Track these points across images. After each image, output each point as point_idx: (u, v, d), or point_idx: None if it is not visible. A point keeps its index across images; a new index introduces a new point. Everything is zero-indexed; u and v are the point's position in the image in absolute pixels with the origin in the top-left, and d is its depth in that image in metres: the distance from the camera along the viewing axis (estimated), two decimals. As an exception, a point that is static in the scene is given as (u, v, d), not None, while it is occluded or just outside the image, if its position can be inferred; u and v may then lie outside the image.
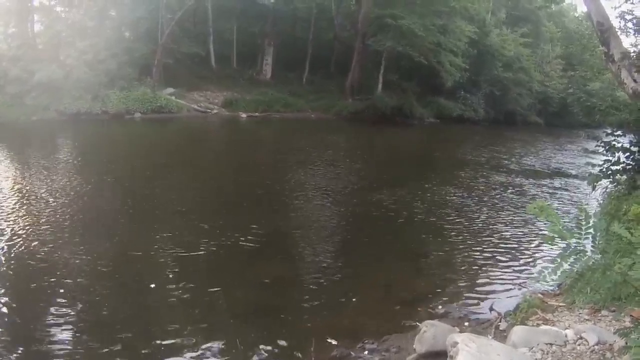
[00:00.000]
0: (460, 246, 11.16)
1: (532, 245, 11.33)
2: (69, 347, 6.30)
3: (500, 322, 6.89)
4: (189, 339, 6.58)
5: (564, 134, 45.18)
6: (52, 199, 12.86)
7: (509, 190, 17.42)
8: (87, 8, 37.40)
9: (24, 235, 9.97)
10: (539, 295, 7.59)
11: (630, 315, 5.37)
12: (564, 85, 48.81)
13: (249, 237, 10.68)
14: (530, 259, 10.41)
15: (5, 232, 10.13)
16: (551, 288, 8.10)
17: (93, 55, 33.57)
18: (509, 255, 10.60)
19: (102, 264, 8.84)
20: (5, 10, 36.49)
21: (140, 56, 37.41)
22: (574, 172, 22.14)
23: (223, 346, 6.48)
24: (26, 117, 28.52)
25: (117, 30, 38.56)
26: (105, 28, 36.30)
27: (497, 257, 10.47)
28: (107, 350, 6.22)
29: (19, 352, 6.14)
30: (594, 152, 15.17)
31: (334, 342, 6.59)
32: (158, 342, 6.46)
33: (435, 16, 41.56)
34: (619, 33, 13.68)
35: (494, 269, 9.77)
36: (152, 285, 8.14)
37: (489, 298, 8.32)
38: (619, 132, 13.74)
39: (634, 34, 15.11)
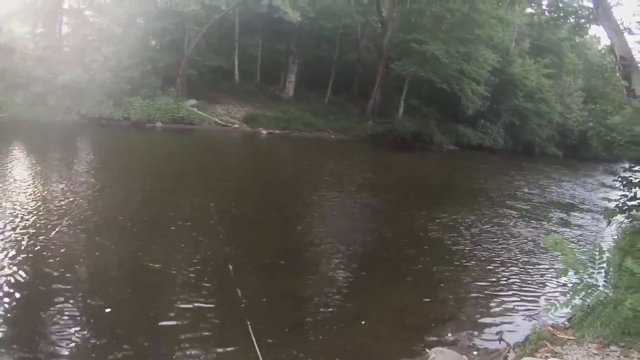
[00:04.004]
0: (473, 274, 11.19)
1: (545, 277, 11.35)
2: (75, 351, 6.42)
3: (509, 352, 6.93)
4: (196, 349, 6.67)
5: (582, 166, 45.09)
6: (66, 201, 13.01)
7: (524, 221, 17.40)
8: (115, 14, 37.80)
9: (35, 235, 10.11)
10: (549, 327, 7.60)
11: (640, 352, 5.43)
12: (584, 117, 48.69)
13: (264, 253, 10.78)
14: (542, 291, 10.43)
15: (17, 231, 10.31)
16: (561, 321, 8.13)
17: (117, 61, 33.96)
18: (521, 286, 10.62)
19: (115, 270, 8.99)
20: (35, 10, 36.96)
21: (164, 66, 37.61)
22: (590, 206, 22.10)
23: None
24: (48, 117, 28.71)
25: (143, 39, 38.78)
26: (132, 35, 36.58)
27: (509, 287, 10.50)
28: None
29: (22, 351, 6.28)
30: (611, 186, 15.14)
31: (342, 363, 6.64)
32: (167, 351, 6.55)
33: (459, 43, 41.59)
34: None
35: (505, 299, 9.79)
36: (164, 295, 8.24)
37: (499, 328, 8.34)
38: (637, 168, 13.74)
39: (656, 70, 15.08)
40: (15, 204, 12.16)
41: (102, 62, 33.34)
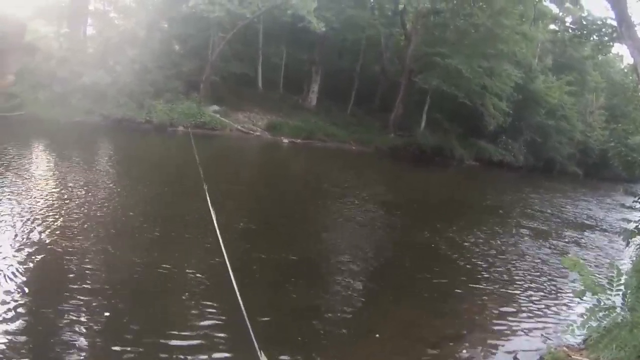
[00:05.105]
0: (487, 292, 11.09)
1: (561, 297, 11.28)
2: (83, 350, 6.45)
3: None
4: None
5: (602, 186, 44.77)
6: (81, 201, 13.09)
7: (541, 240, 17.26)
8: (139, 18, 38.07)
9: (50, 233, 10.19)
10: (564, 348, 7.56)
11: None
12: (606, 137, 48.40)
13: (276, 263, 10.76)
14: (558, 311, 10.33)
15: (32, 228, 10.39)
16: (577, 342, 8.08)
17: (141, 64, 34.31)
18: (536, 306, 10.53)
19: (127, 273, 8.94)
20: (60, 10, 37.34)
21: (188, 71, 37.85)
22: (608, 227, 21.92)
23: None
24: (69, 117, 28.69)
25: (167, 43, 39.17)
26: (156, 39, 36.83)
27: (524, 306, 10.40)
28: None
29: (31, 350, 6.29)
30: (630, 207, 15.06)
31: (351, 378, 6.59)
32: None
33: (482, 58, 41.54)
34: (663, 88, 13.64)
35: (520, 318, 9.69)
36: (173, 302, 8.20)
37: (514, 347, 8.26)
38: (657, 189, 13.67)
39: (679, 90, 15.02)
40: (20, 203, 12.26)
41: (126, 65, 33.67)
